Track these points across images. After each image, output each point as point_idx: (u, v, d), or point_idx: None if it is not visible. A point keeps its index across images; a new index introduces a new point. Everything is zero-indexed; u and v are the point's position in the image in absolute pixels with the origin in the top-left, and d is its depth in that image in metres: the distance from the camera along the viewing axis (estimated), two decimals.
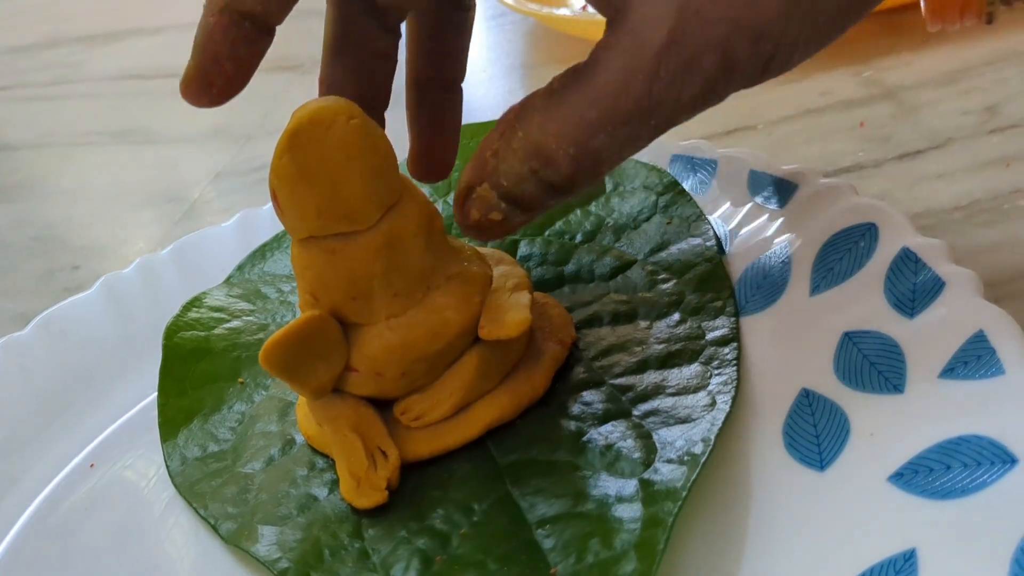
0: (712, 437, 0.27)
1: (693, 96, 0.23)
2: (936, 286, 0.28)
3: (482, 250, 0.33)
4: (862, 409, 0.27)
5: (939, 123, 0.41)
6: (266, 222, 0.44)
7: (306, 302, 0.29)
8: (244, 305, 0.39)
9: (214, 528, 0.30)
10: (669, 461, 0.27)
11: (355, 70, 0.30)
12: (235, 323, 0.38)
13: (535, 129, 0.24)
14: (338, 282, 0.28)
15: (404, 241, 0.28)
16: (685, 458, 0.27)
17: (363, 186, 0.27)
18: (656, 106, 0.22)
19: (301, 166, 0.26)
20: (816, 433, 0.27)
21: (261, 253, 0.43)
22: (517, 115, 0.24)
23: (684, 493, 0.25)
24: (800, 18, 0.22)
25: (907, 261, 0.29)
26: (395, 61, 0.31)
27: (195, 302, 0.39)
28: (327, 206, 0.27)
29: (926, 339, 0.27)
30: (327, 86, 0.30)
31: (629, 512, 0.26)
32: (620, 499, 0.26)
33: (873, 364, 0.27)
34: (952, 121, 0.40)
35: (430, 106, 0.33)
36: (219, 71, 0.26)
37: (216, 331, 0.38)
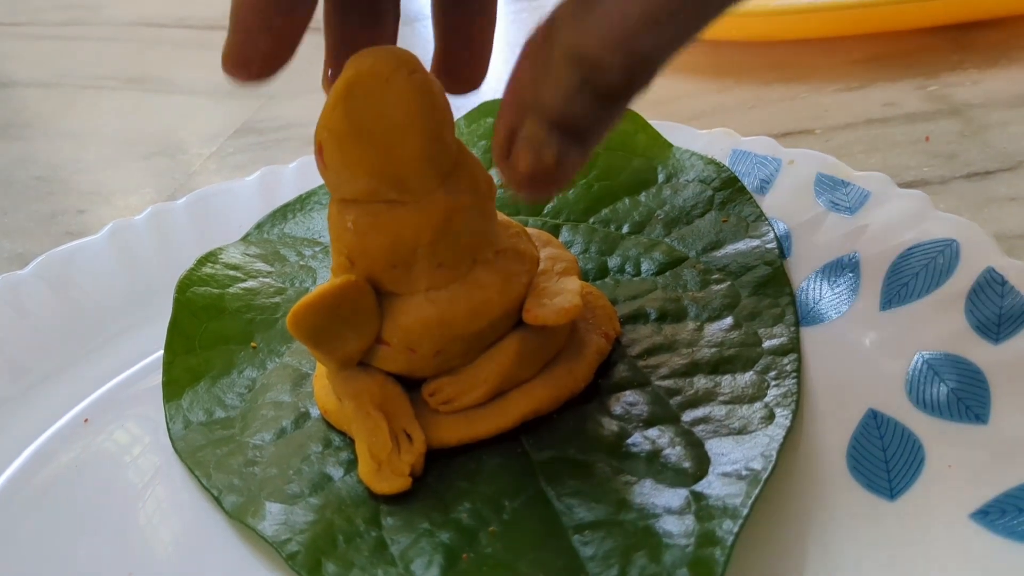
0: (773, 453, 0.25)
1: None
2: None
3: (529, 230, 0.30)
4: (939, 437, 0.25)
5: (1010, 145, 0.39)
6: (289, 182, 0.42)
7: (340, 265, 0.27)
8: (261, 265, 0.37)
9: (217, 500, 0.28)
10: (725, 475, 0.24)
11: None
12: (251, 283, 0.36)
13: (573, 38, 0.20)
14: (380, 248, 0.26)
15: (457, 212, 0.26)
16: (744, 473, 0.24)
17: (421, 150, 0.24)
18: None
19: (355, 120, 0.24)
20: (885, 459, 0.25)
21: (283, 213, 0.40)
22: (546, 34, 0.21)
23: (745, 511, 0.23)
24: None
25: (992, 283, 0.27)
26: None
27: (210, 257, 0.37)
28: (380, 168, 0.24)
29: (1013, 368, 0.25)
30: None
31: (679, 526, 0.23)
32: (668, 511, 0.24)
33: (952, 390, 0.25)
34: (1023, 144, 0.38)
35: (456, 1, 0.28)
36: (255, 46, 0.23)
37: (231, 290, 0.35)
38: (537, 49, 0.21)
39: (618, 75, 0.20)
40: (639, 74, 0.20)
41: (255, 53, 0.23)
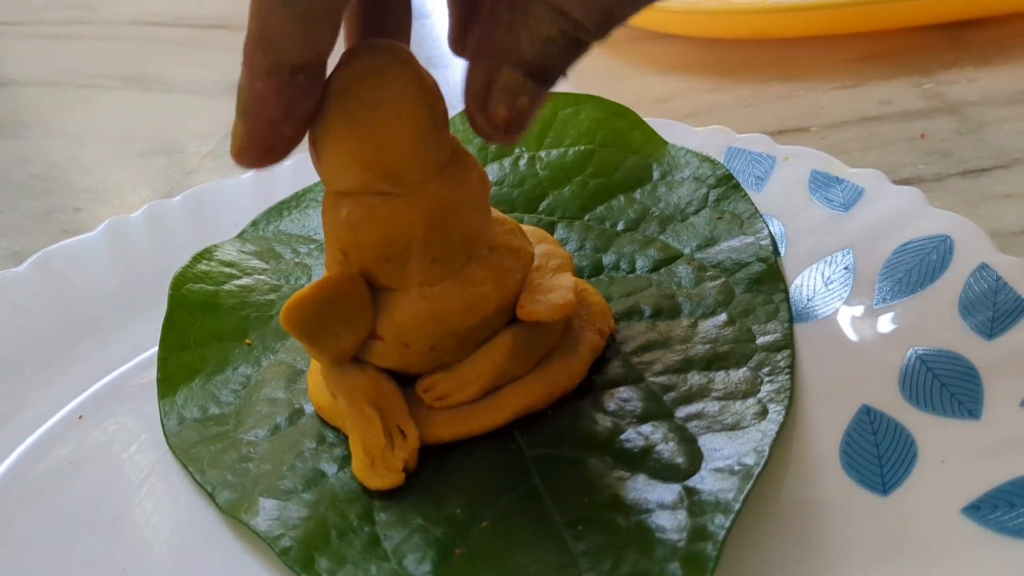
0: (766, 448, 0.25)
1: None
2: (1018, 308, 0.26)
3: (524, 227, 0.30)
4: (932, 433, 0.25)
5: (1005, 142, 0.39)
6: (285, 179, 0.42)
7: (334, 259, 0.27)
8: (257, 263, 0.37)
9: (211, 496, 0.28)
10: (717, 470, 0.24)
11: None
12: (246, 280, 0.36)
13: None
14: (374, 241, 0.26)
15: (451, 207, 0.26)
16: (736, 468, 0.24)
17: (414, 142, 0.24)
18: None
19: (348, 113, 0.24)
20: (878, 454, 0.25)
21: (278, 211, 0.40)
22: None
23: (737, 506, 0.23)
24: None
25: (985, 279, 0.27)
26: None
27: (205, 254, 0.37)
28: (373, 161, 0.24)
29: (1006, 364, 0.25)
30: None
31: (671, 521, 0.23)
32: (661, 506, 0.24)
33: (945, 385, 0.25)
34: (1019, 142, 0.38)
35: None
36: (279, 136, 0.23)
37: (226, 287, 0.35)
38: (512, 1, 0.21)
39: (595, 33, 0.21)
40: (610, 29, 0.22)
41: (277, 143, 0.23)
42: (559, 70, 0.22)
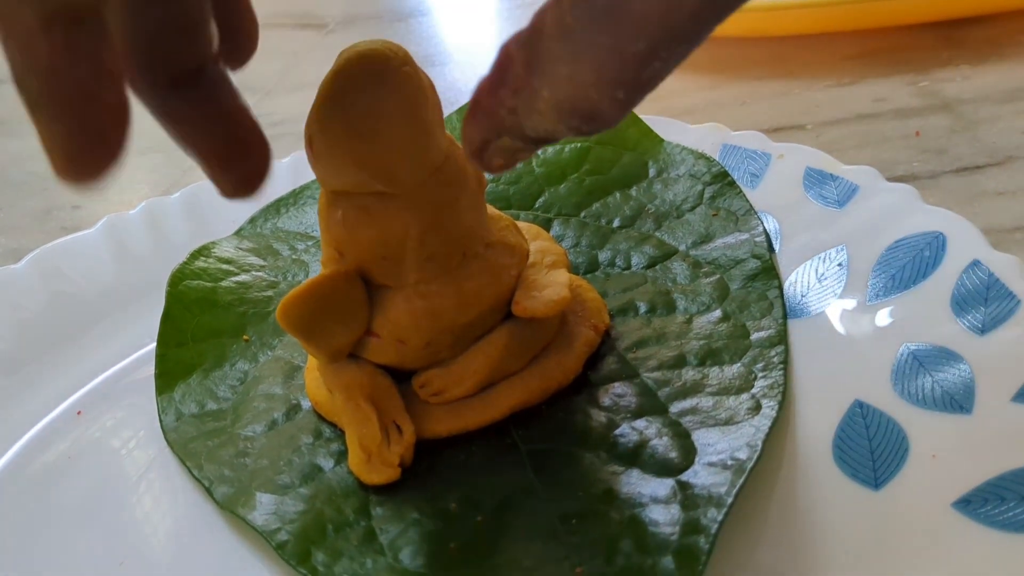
0: (759, 443, 0.25)
1: None
2: (1010, 304, 0.26)
3: (519, 224, 0.30)
4: (923, 428, 0.25)
5: (999, 140, 0.39)
6: (283, 176, 0.42)
7: (330, 257, 0.27)
8: (254, 259, 0.37)
9: (208, 491, 0.28)
10: (711, 465, 0.25)
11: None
12: (243, 277, 0.36)
13: (564, 84, 0.18)
14: (369, 240, 0.26)
15: (447, 205, 0.26)
16: (729, 463, 0.24)
17: (409, 142, 0.24)
18: (723, 7, 0.17)
19: (344, 113, 0.24)
20: (871, 449, 0.25)
21: (275, 208, 0.40)
22: (528, 67, 0.19)
23: (730, 500, 0.23)
24: None
25: (978, 275, 0.27)
26: None
27: (203, 251, 0.37)
28: (368, 160, 0.25)
29: (998, 359, 0.25)
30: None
31: (665, 515, 0.24)
32: (654, 500, 0.24)
33: (937, 381, 0.25)
34: (1013, 139, 0.39)
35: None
36: (101, 110, 0.18)
37: (223, 283, 0.35)
38: (519, 80, 0.19)
39: (613, 114, 0.18)
40: (635, 103, 0.19)
41: (107, 113, 0.18)
42: (562, 139, 0.20)
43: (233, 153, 0.23)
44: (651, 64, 0.18)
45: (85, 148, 0.18)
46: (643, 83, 0.18)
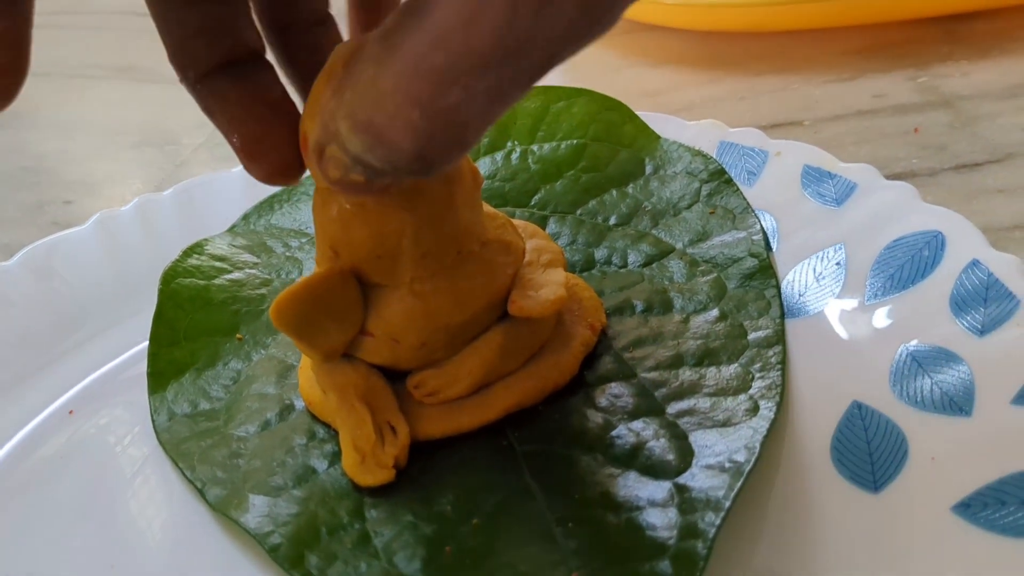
0: (757, 445, 0.25)
1: (572, 20, 0.15)
2: (1010, 304, 0.26)
3: (515, 222, 0.30)
4: (923, 430, 0.25)
5: (999, 137, 0.39)
6: None
7: (324, 256, 0.27)
8: (248, 257, 0.37)
9: (200, 492, 0.27)
10: (708, 467, 0.24)
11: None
12: (237, 275, 0.36)
13: (364, 89, 0.17)
14: (364, 238, 0.25)
15: (442, 203, 0.25)
16: (726, 465, 0.24)
17: None
18: (525, 40, 0.15)
19: None
20: (869, 451, 0.25)
21: (269, 204, 0.40)
22: (347, 64, 0.18)
23: (728, 503, 0.23)
24: None
25: (977, 275, 0.27)
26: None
27: (196, 248, 0.36)
28: None
29: (998, 361, 0.25)
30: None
31: (662, 518, 0.23)
32: (652, 503, 0.24)
33: (936, 382, 0.25)
34: (1013, 136, 0.38)
35: (303, 50, 0.25)
36: None
37: (216, 281, 0.35)
38: (338, 81, 0.18)
39: (409, 147, 0.17)
40: (442, 141, 0.17)
41: None
42: (391, 179, 0.19)
43: (269, 141, 0.24)
44: (451, 87, 0.16)
45: None
46: (443, 112, 0.16)
